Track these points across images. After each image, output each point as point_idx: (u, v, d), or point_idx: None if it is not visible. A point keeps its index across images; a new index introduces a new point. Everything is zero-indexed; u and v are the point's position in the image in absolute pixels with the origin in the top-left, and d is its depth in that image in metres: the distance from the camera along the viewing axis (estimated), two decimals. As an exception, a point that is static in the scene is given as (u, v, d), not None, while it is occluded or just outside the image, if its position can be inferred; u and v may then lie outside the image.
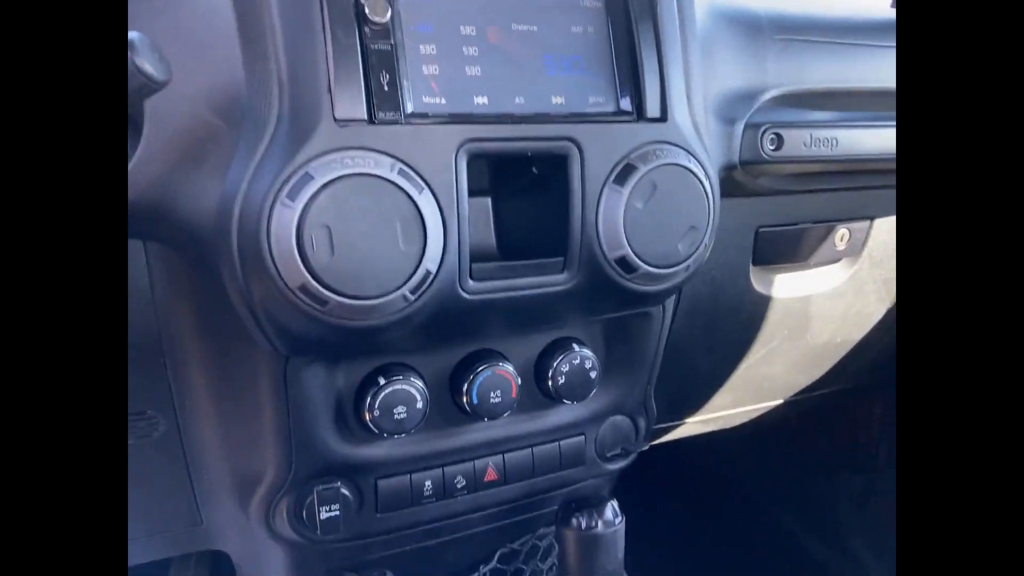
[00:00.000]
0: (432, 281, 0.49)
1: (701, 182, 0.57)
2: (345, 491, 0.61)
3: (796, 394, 1.11)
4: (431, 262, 0.49)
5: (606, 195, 0.54)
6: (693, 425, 1.06)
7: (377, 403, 0.57)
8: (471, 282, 0.52)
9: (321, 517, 0.60)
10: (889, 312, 1.02)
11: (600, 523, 0.60)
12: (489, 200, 0.60)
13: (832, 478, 1.36)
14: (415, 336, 0.55)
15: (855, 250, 0.91)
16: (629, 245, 0.55)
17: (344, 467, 0.61)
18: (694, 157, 0.57)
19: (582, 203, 0.54)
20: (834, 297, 0.95)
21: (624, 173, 0.54)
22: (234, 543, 0.76)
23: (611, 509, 0.61)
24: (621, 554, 0.61)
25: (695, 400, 0.98)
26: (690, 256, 0.58)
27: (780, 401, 1.11)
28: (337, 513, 0.61)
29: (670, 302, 0.70)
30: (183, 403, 0.61)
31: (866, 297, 0.98)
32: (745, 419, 1.14)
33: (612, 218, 0.54)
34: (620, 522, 0.62)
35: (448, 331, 0.57)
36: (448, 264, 0.50)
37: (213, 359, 0.58)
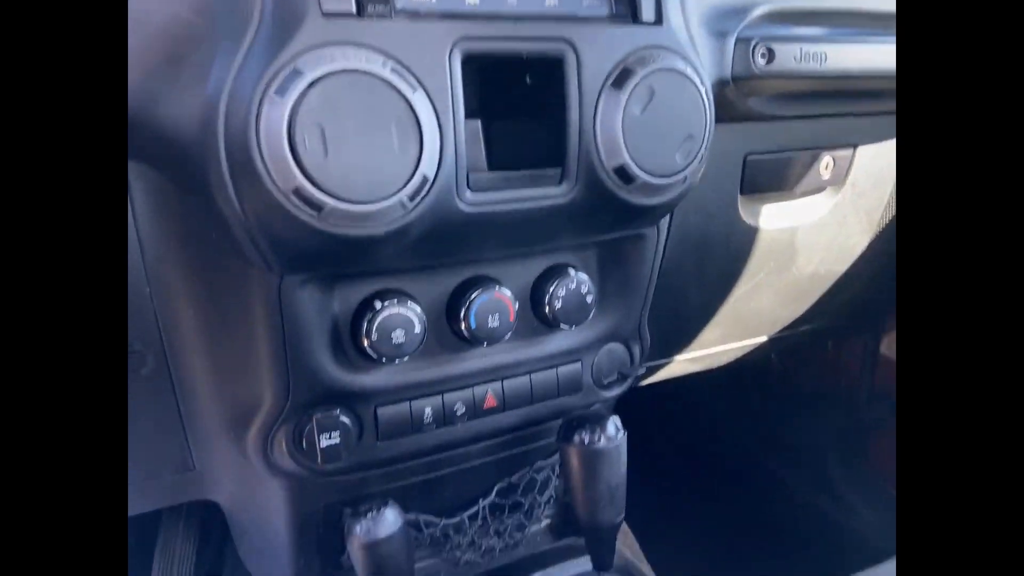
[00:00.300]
0: (430, 188, 0.48)
1: (698, 89, 0.56)
2: (345, 419, 0.60)
3: (781, 331, 1.13)
4: (428, 167, 0.47)
5: (604, 99, 0.53)
6: (682, 364, 1.07)
7: (375, 327, 0.56)
8: (469, 193, 0.51)
9: (321, 445, 0.59)
10: (871, 244, 1.04)
11: (603, 438, 0.61)
12: (479, 123, 0.59)
13: (815, 417, 1.40)
14: (412, 252, 0.54)
15: (839, 179, 0.92)
16: (628, 153, 0.54)
17: (343, 395, 0.59)
18: (690, 64, 0.56)
19: (579, 108, 0.52)
20: (819, 228, 0.95)
21: (622, 77, 0.53)
22: (227, 489, 0.74)
23: (613, 424, 0.62)
24: (623, 468, 0.62)
25: (685, 336, 0.99)
26: (687, 166, 0.57)
27: (765, 338, 1.13)
28: (338, 441, 0.60)
29: (664, 225, 0.70)
30: (171, 336, 0.59)
31: (849, 228, 0.99)
32: (732, 357, 1.15)
33: (610, 124, 0.53)
34: (622, 437, 0.62)
35: (445, 248, 0.56)
36: (445, 171, 0.49)
37: (202, 286, 0.56)
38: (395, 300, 0.57)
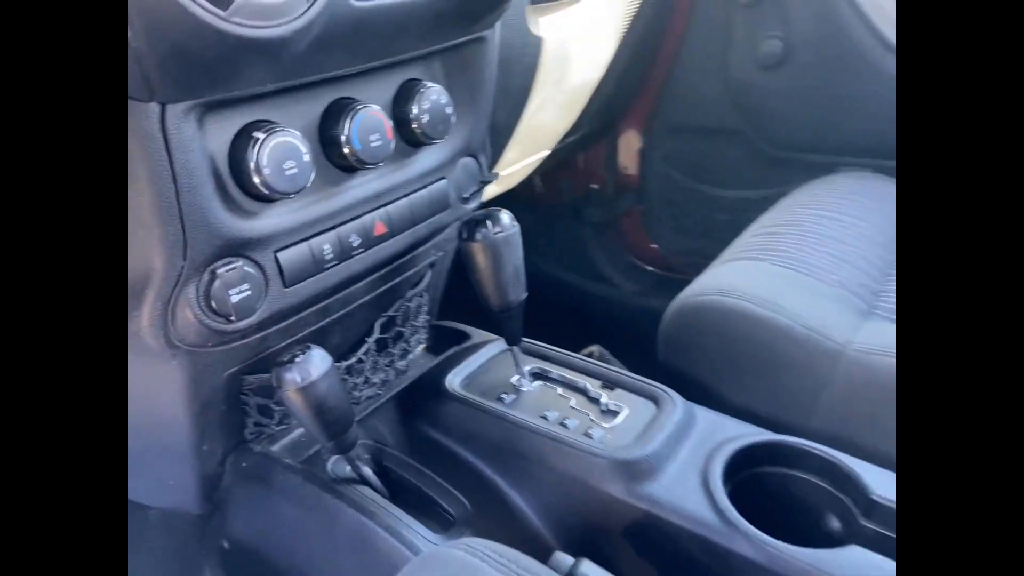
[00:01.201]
0: None
1: None
2: (249, 269, 0.55)
3: (558, 143, 1.28)
4: None
5: None
6: (489, 188, 1.16)
7: (265, 159, 0.51)
8: None
9: (233, 300, 0.54)
10: (616, 52, 1.22)
11: (502, 228, 0.67)
12: None
13: (577, 220, 1.64)
14: (304, 58, 0.50)
15: (596, -13, 1.04)
16: None
17: (239, 244, 0.54)
18: None
19: None
20: (582, 38, 1.08)
21: None
22: None
23: (507, 216, 0.68)
24: (521, 252, 0.69)
25: (494, 158, 1.07)
26: None
27: (548, 152, 1.27)
28: (249, 292, 0.55)
29: (499, 29, 0.73)
30: None
31: (601, 36, 1.14)
32: (524, 176, 1.28)
33: None
34: (517, 226, 0.69)
35: (330, 56, 0.53)
36: None
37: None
38: (274, 130, 0.52)
